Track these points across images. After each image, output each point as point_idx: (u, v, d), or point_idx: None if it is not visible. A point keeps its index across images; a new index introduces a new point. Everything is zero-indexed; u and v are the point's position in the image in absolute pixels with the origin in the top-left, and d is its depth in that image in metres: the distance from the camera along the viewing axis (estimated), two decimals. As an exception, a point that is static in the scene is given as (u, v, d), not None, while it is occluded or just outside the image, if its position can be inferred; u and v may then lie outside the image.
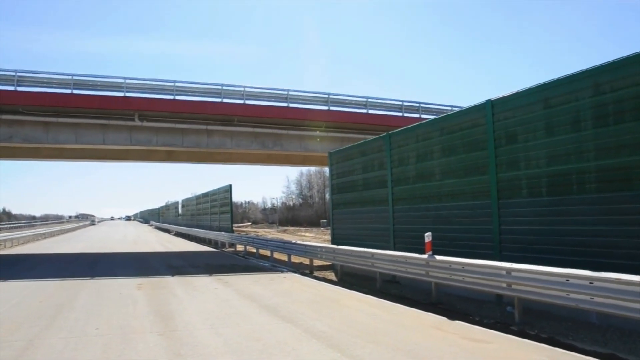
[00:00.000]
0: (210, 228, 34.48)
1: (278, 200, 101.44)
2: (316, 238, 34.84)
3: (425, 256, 9.86)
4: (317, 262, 16.16)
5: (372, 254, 11.90)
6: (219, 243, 29.59)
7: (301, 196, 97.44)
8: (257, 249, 21.99)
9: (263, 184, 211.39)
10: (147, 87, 22.51)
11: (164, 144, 23.43)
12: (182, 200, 56.07)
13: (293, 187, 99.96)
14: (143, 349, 6.28)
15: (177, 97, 22.56)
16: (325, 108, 24.42)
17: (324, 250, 15.01)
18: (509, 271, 7.81)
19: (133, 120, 22.01)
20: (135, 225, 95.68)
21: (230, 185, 30.63)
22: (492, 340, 6.59)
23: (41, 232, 43.58)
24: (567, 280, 6.73)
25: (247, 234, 33.03)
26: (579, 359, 5.76)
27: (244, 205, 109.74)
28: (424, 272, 9.92)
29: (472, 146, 10.22)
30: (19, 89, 20.75)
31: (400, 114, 25.65)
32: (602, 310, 6.33)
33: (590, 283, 6.40)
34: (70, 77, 21.28)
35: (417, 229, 11.50)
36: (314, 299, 10.27)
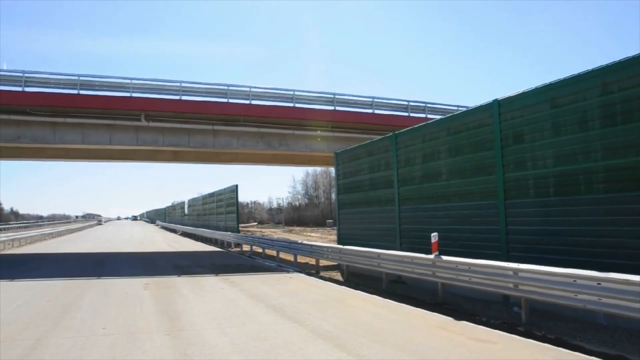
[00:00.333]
0: (217, 228, 34.54)
1: (284, 201, 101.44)
2: (322, 238, 34.84)
3: (431, 256, 9.84)
4: (323, 262, 16.16)
5: (379, 254, 11.88)
6: (225, 243, 29.63)
7: (307, 196, 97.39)
8: (263, 249, 22.00)
9: (269, 184, 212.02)
10: (153, 87, 22.57)
11: (170, 144, 23.49)
12: (189, 200, 56.22)
13: (299, 187, 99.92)
14: (150, 349, 6.29)
15: (183, 97, 22.60)
16: (331, 108, 24.40)
17: (330, 250, 15.00)
18: (515, 271, 7.78)
19: (139, 120, 22.08)
20: (142, 225, 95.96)
21: (237, 186, 30.69)
22: (499, 341, 6.57)
23: (48, 232, 43.78)
24: (575, 280, 6.70)
25: (253, 234, 33.08)
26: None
27: (250, 205, 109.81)
28: (430, 273, 9.90)
29: (479, 146, 10.19)
30: (27, 89, 20.85)
31: (406, 114, 25.60)
32: (609, 311, 6.30)
33: (598, 284, 6.36)
34: (76, 78, 21.37)
35: (424, 229, 11.48)
36: (320, 299, 10.27)
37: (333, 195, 67.33)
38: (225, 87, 23.13)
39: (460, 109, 21.25)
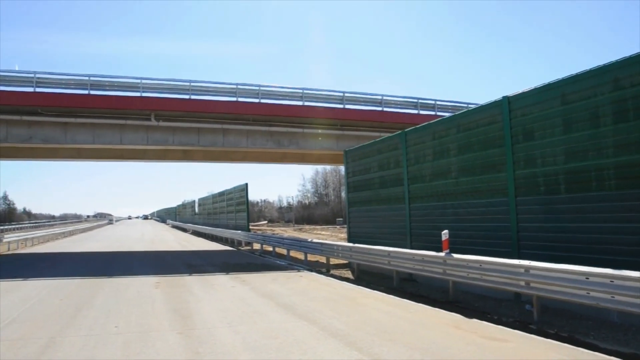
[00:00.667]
0: (227, 227, 34.63)
1: (294, 199, 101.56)
2: (332, 236, 34.84)
3: (442, 254, 9.82)
4: (333, 261, 16.18)
5: (389, 252, 11.87)
6: (235, 242, 29.72)
7: (317, 194, 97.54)
8: (274, 247, 22.05)
9: (279, 183, 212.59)
10: (163, 87, 22.66)
11: (180, 144, 23.58)
12: (199, 199, 56.40)
13: (309, 186, 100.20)
14: (162, 348, 6.33)
15: (193, 97, 22.68)
16: (340, 106, 24.38)
17: (340, 248, 15.01)
18: (527, 269, 7.74)
19: (149, 120, 22.18)
20: (153, 224, 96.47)
21: (247, 184, 30.73)
22: (511, 339, 6.54)
23: (60, 231, 44.15)
24: (587, 278, 6.66)
25: (263, 233, 33.17)
26: (601, 358, 5.69)
27: (260, 204, 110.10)
28: (441, 270, 9.88)
29: (489, 143, 10.15)
30: (38, 90, 21.01)
31: (415, 112, 25.52)
32: (623, 309, 6.25)
33: (611, 281, 6.32)
34: (87, 78, 21.51)
35: (434, 227, 11.46)
36: (331, 297, 10.28)
37: (343, 194, 67.37)
38: (235, 86, 23.17)
39: (470, 106, 21.13)
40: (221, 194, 39.36)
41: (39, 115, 21.06)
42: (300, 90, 24.07)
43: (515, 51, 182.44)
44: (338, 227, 55.80)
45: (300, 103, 23.91)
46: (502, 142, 9.70)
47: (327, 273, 14.84)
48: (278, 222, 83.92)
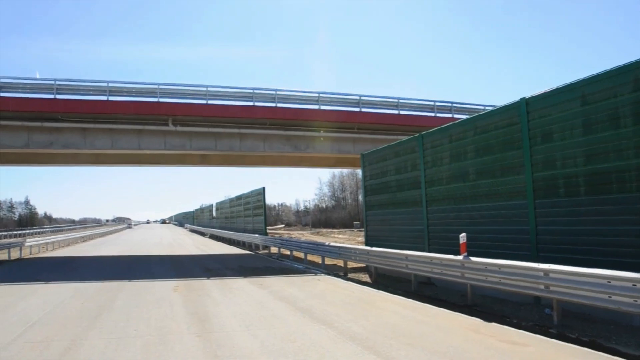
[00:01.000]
0: (244, 230, 34.75)
1: (311, 202, 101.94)
2: (349, 240, 34.81)
3: (460, 257, 9.76)
4: (351, 264, 16.14)
5: (407, 256, 11.82)
6: (252, 245, 29.81)
7: (334, 198, 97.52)
8: (291, 251, 22.07)
9: (296, 186, 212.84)
10: (180, 92, 22.89)
11: (198, 148, 23.76)
12: (216, 203, 56.71)
13: (325, 189, 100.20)
14: (181, 350, 6.38)
15: (210, 102, 22.87)
16: (357, 109, 24.39)
17: (357, 252, 14.98)
18: (546, 272, 7.66)
19: (167, 125, 22.41)
20: (171, 228, 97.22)
21: (264, 188, 30.82)
22: (531, 343, 6.47)
23: (80, 235, 44.67)
24: (609, 282, 6.57)
25: (280, 236, 33.17)
26: (623, 363, 5.61)
27: (277, 208, 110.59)
28: (459, 274, 9.81)
29: (507, 145, 10.07)
30: (58, 96, 21.38)
31: (432, 114, 25.43)
32: (645, 312, 6.16)
33: (634, 285, 6.23)
34: (106, 84, 21.83)
35: (452, 230, 11.39)
36: (349, 300, 10.27)
37: (360, 197, 67.29)
38: (251, 91, 23.30)
39: (487, 108, 21.02)
40: (238, 197, 39.54)
41: (59, 121, 21.42)
42: (317, 94, 24.13)
43: (531, 53, 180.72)
44: (355, 230, 55.72)
45: (316, 107, 23.96)
46: (520, 144, 9.61)
47: (344, 277, 14.82)
48: (295, 225, 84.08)
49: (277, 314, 8.84)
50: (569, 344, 6.41)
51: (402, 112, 25.08)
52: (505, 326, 7.57)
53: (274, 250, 25.07)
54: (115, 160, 28.36)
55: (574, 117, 8.42)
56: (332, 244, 18.17)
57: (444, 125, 12.77)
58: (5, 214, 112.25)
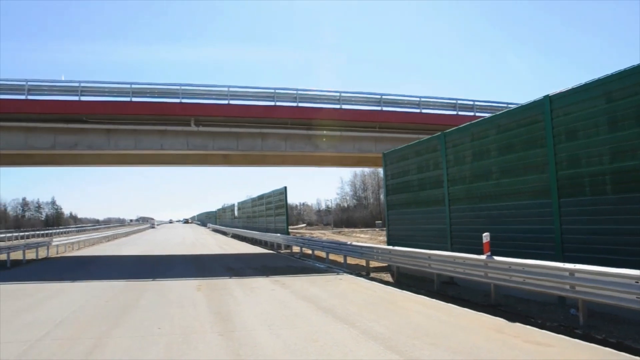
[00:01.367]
0: (266, 230, 34.92)
1: (332, 202, 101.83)
2: (371, 239, 34.74)
3: (483, 257, 9.67)
4: (373, 264, 16.11)
5: (429, 255, 11.76)
6: (274, 245, 29.95)
7: (355, 197, 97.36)
8: (313, 250, 22.10)
9: (317, 186, 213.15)
10: (202, 93, 23.04)
11: (220, 148, 23.90)
12: (238, 203, 57.01)
13: (347, 189, 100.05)
14: (204, 349, 6.45)
15: (231, 102, 22.98)
16: (378, 108, 24.30)
17: (379, 251, 14.94)
18: (572, 272, 7.55)
19: (189, 125, 22.59)
20: (193, 228, 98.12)
21: (285, 188, 30.93)
22: (556, 344, 6.39)
23: (104, 235, 45.35)
24: (637, 282, 6.44)
25: (302, 236, 33.26)
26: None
27: (298, 207, 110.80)
28: (482, 273, 9.73)
29: (530, 144, 9.95)
30: (83, 98, 21.71)
31: (454, 113, 25.19)
32: (674, 313, 6.03)
33: (662, 285, 6.10)
34: (129, 86, 22.09)
35: (475, 229, 11.30)
36: (371, 300, 10.26)
37: (381, 196, 67.06)
38: (273, 91, 23.36)
39: (509, 106, 20.72)
40: (260, 197, 39.73)
41: (83, 122, 21.75)
42: (338, 93, 24.10)
43: (552, 52, 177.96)
44: (377, 229, 55.60)
45: (337, 106, 23.93)
46: (544, 142, 9.49)
47: (366, 276, 14.80)
48: (317, 225, 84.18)
49: (299, 313, 8.87)
50: (595, 345, 6.31)
51: (423, 111, 24.91)
52: (529, 326, 7.49)
53: (295, 249, 25.13)
54: (139, 161, 28.70)
55: (600, 114, 8.29)
56: (354, 243, 18.16)
57: (466, 124, 12.68)
58: (32, 214, 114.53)
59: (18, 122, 21.28)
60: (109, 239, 44.84)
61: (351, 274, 15.24)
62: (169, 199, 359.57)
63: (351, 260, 17.79)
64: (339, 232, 54.52)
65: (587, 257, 8.11)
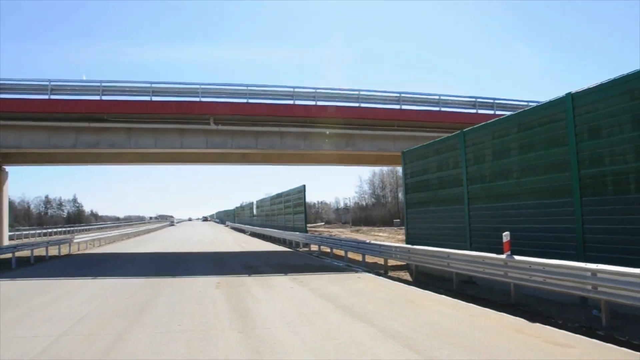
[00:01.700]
0: (285, 228, 35.00)
1: (351, 200, 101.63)
2: (390, 238, 34.61)
3: (503, 256, 9.58)
4: (391, 262, 16.06)
5: (448, 254, 11.69)
6: (293, 243, 30.00)
7: (374, 196, 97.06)
8: (331, 248, 22.09)
9: (335, 184, 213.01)
10: (221, 91, 23.24)
11: (239, 147, 24.06)
12: (257, 201, 57.25)
13: (365, 187, 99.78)
14: (223, 346, 6.50)
15: (250, 101, 23.11)
16: (397, 107, 24.21)
17: (398, 250, 14.90)
18: (594, 272, 7.44)
19: (208, 124, 22.77)
20: (212, 226, 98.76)
21: (304, 186, 30.97)
22: (577, 345, 6.31)
23: (125, 232, 45.85)
24: (660, 282, 6.33)
25: (320, 234, 33.31)
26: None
27: (317, 206, 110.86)
28: (502, 273, 9.64)
29: (552, 142, 9.83)
30: (104, 98, 22.03)
31: (474, 111, 25.03)
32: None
33: (686, 286, 5.99)
34: (149, 85, 22.37)
35: (494, 228, 11.20)
36: (389, 298, 10.23)
37: (400, 195, 66.87)
38: (291, 89, 23.44)
39: (530, 104, 20.52)
40: (279, 195, 39.84)
41: (105, 121, 22.08)
42: (357, 92, 24.08)
43: (572, 52, 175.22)
44: (396, 228, 55.39)
45: (356, 105, 23.91)
46: (566, 140, 9.37)
47: (385, 275, 14.76)
48: (335, 223, 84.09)
49: (318, 311, 8.89)
50: (618, 347, 6.21)
51: (442, 109, 24.77)
52: (549, 327, 7.40)
53: (314, 247, 25.16)
54: (159, 159, 29.01)
55: (623, 112, 8.16)
56: (372, 241, 18.13)
57: (486, 122, 12.57)
58: (55, 212, 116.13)
59: (42, 121, 21.67)
60: (129, 236, 45.31)
61: (370, 272, 15.21)
62: (188, 197, 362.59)
63: (370, 259, 17.76)
64: (357, 231, 54.41)
65: (609, 257, 7.99)
